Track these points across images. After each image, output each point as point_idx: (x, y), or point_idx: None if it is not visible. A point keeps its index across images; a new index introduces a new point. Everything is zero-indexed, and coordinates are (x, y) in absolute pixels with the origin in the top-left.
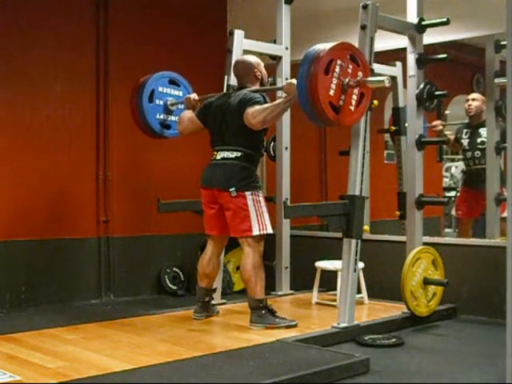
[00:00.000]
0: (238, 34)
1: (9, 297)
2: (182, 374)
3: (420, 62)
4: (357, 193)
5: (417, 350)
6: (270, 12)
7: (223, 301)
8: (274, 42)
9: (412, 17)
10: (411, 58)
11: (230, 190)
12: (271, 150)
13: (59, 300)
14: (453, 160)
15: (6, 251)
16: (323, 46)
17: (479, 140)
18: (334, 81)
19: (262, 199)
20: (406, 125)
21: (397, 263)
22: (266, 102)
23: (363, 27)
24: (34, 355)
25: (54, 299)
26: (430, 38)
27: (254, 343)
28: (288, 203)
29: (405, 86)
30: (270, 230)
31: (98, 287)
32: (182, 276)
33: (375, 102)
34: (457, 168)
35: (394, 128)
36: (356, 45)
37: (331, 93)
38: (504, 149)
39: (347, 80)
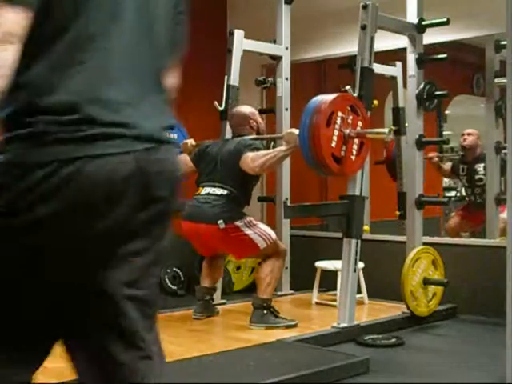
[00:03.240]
0: (238, 33)
1: None
2: (181, 373)
3: (420, 62)
4: (357, 193)
5: (417, 349)
6: (270, 12)
7: (223, 301)
8: (274, 41)
9: (412, 17)
10: (411, 58)
11: (218, 222)
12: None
13: None
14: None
15: None
16: (324, 98)
17: (477, 177)
18: (336, 132)
19: (252, 218)
20: (406, 125)
21: (397, 263)
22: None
23: (363, 27)
24: None
25: None
26: (430, 37)
27: (254, 343)
28: (288, 203)
29: (405, 86)
30: (274, 236)
31: None
32: (182, 276)
33: (375, 102)
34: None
35: (394, 128)
36: (356, 45)
37: (333, 144)
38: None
39: (348, 131)
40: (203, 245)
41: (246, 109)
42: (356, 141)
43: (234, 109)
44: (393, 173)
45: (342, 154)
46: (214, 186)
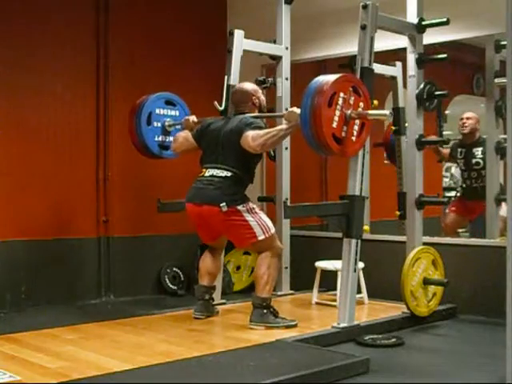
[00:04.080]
0: (238, 33)
1: (9, 297)
2: (182, 374)
3: (420, 62)
4: (357, 193)
5: (417, 349)
6: (270, 12)
7: (223, 301)
8: (274, 41)
9: (412, 17)
10: (411, 58)
11: (221, 205)
12: (271, 150)
13: (59, 300)
14: None
15: (6, 251)
16: (326, 79)
17: (474, 161)
18: (337, 113)
19: (255, 206)
20: (406, 125)
21: (397, 263)
22: (266, 128)
23: (363, 27)
24: (34, 355)
25: (53, 299)
26: (430, 37)
27: (254, 343)
28: (288, 203)
29: (405, 86)
30: (273, 230)
31: (98, 287)
32: (182, 276)
33: (375, 102)
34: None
35: (394, 128)
36: (356, 45)
37: (334, 125)
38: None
39: (349, 112)
40: (205, 227)
41: (248, 85)
42: (357, 122)
43: (237, 85)
44: (391, 155)
45: (343, 134)
46: (218, 168)
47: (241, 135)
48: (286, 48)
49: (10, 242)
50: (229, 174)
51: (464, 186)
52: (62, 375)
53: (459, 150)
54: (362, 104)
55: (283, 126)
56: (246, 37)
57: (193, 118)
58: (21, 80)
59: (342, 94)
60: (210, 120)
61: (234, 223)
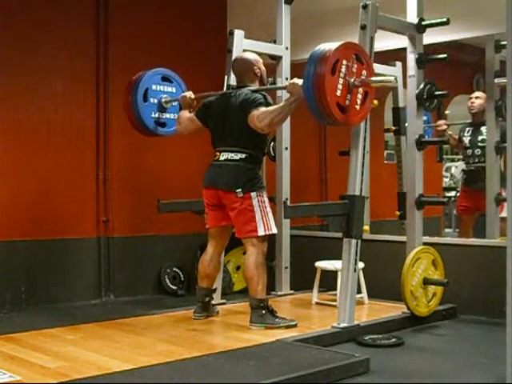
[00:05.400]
0: (238, 33)
1: (9, 297)
2: (182, 373)
3: (420, 62)
4: (357, 193)
5: (417, 349)
6: (270, 12)
7: (223, 301)
8: (274, 42)
9: (412, 17)
10: (411, 58)
11: (237, 191)
12: (271, 149)
13: (59, 300)
14: (453, 160)
15: (6, 251)
16: (328, 46)
17: (480, 138)
18: (341, 81)
19: (266, 199)
20: (406, 125)
21: (397, 263)
22: (267, 102)
23: (363, 27)
24: (34, 355)
25: (54, 299)
26: (430, 38)
27: (254, 343)
28: (288, 203)
29: (405, 86)
30: (274, 230)
31: (98, 287)
32: (182, 276)
33: (375, 101)
34: (457, 168)
35: (394, 128)
36: None
37: (338, 93)
38: (504, 148)
39: (353, 80)
40: (216, 208)
41: (249, 55)
42: (360, 90)
43: (238, 55)
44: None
45: (347, 103)
46: (232, 151)
47: (247, 114)
48: (286, 48)
49: (10, 242)
50: (243, 155)
51: (466, 167)
52: (61, 375)
53: (467, 129)
54: (364, 72)
55: (286, 101)
56: (246, 37)
57: (190, 94)
58: (20, 80)
59: (344, 62)
60: (212, 98)
61: (243, 210)
